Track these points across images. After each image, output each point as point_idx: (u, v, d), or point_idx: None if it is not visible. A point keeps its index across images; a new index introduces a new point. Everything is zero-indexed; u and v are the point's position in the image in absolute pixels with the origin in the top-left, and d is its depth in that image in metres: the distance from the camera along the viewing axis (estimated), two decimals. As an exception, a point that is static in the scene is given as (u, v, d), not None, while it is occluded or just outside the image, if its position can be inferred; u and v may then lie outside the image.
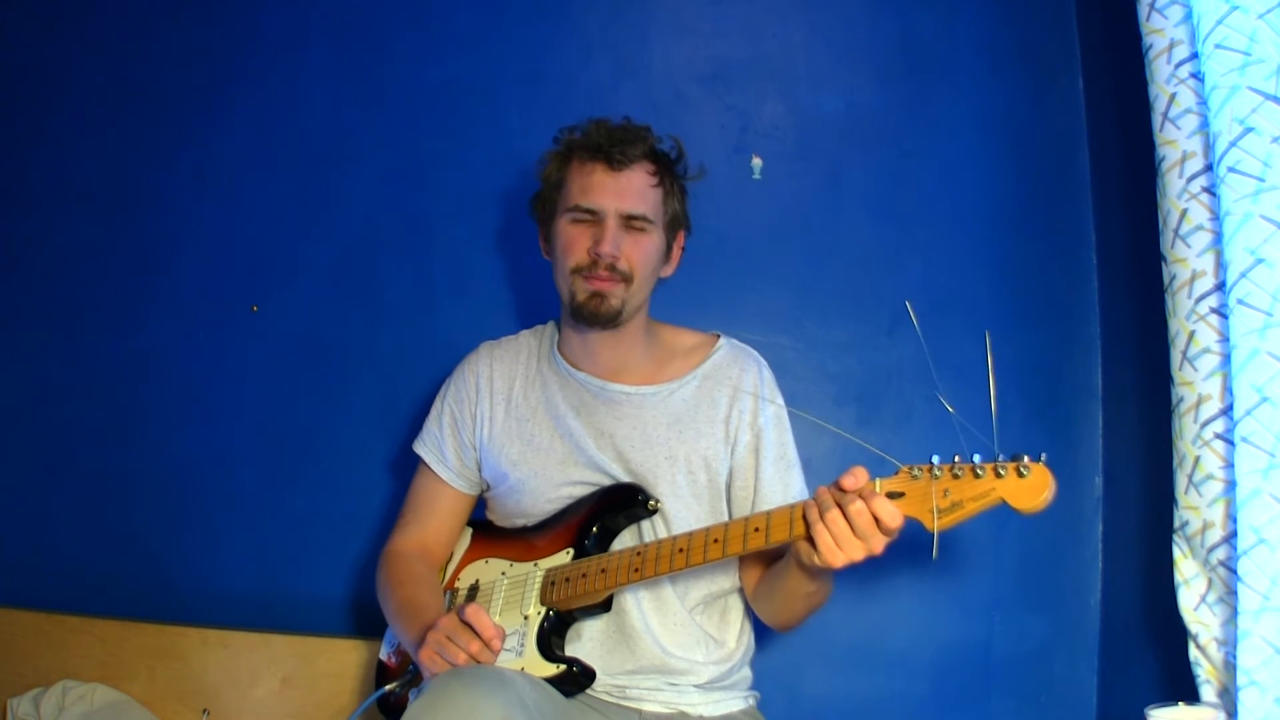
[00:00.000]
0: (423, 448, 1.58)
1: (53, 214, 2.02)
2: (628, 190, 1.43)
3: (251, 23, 2.00)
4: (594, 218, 1.43)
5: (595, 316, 1.43)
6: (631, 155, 1.43)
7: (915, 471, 1.17)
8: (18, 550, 1.96)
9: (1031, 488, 1.11)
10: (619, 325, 1.45)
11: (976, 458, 1.14)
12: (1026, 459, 1.12)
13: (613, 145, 1.43)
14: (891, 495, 1.18)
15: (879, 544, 1.18)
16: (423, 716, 1.15)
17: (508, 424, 1.52)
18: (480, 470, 1.56)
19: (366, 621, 1.80)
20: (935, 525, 1.13)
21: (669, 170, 1.49)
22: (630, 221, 1.43)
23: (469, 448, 1.55)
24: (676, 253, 1.53)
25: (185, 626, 1.80)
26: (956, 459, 1.15)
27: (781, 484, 1.45)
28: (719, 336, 1.54)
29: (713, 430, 1.46)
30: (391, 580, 1.49)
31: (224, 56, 2.00)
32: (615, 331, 1.47)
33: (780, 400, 1.51)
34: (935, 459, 1.16)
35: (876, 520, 1.16)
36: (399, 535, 1.57)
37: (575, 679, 1.36)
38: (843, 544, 1.17)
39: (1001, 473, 1.12)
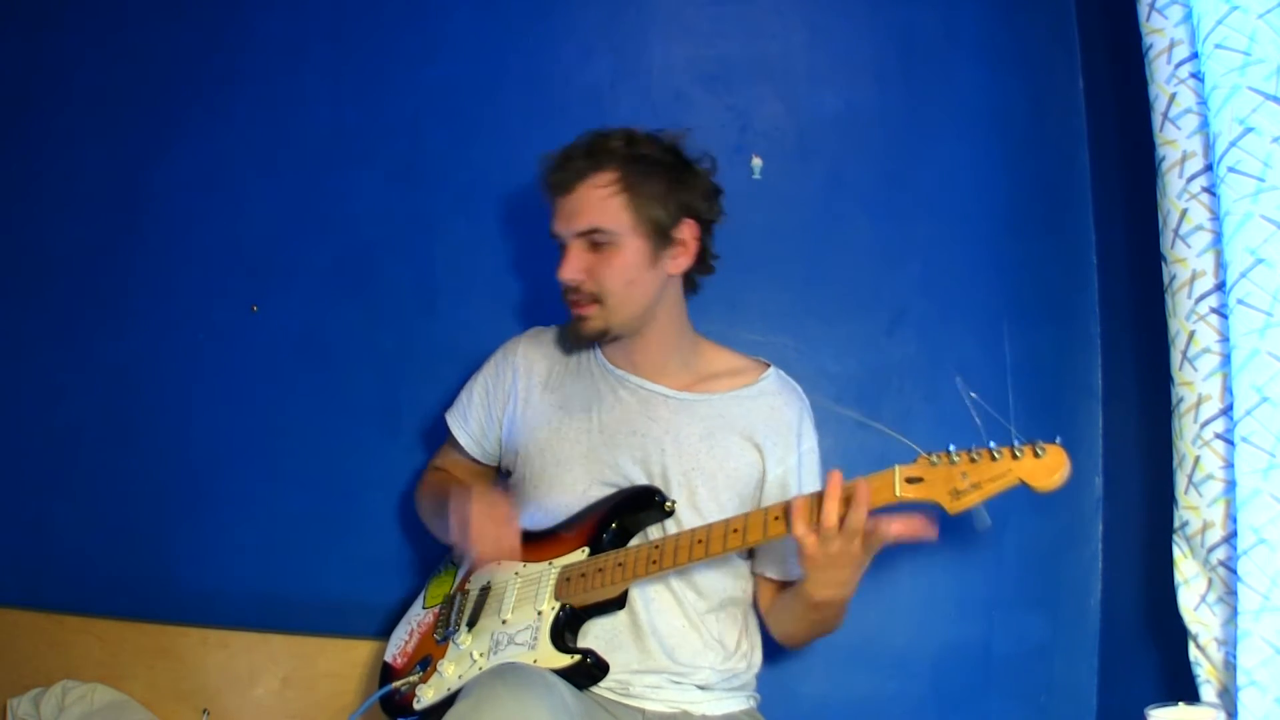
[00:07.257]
0: (450, 414, 1.63)
1: (53, 214, 2.02)
2: (575, 210, 1.43)
3: (252, 22, 1.99)
4: (562, 245, 1.45)
5: (581, 337, 1.48)
6: (573, 172, 1.42)
7: (934, 458, 1.20)
8: (18, 550, 1.96)
9: (1048, 467, 1.14)
10: (616, 339, 1.48)
11: (992, 444, 1.17)
12: (1041, 442, 1.15)
13: (552, 172, 1.44)
14: (911, 480, 1.20)
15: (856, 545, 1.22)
16: (468, 718, 1.15)
17: (541, 408, 1.52)
18: (501, 447, 1.58)
19: (366, 621, 1.80)
20: (969, 502, 1.16)
21: (636, 169, 1.41)
22: (590, 237, 1.42)
23: (495, 421, 1.57)
24: (687, 246, 1.46)
25: (185, 626, 1.79)
26: (973, 446, 1.18)
27: None
28: (768, 365, 1.55)
29: (745, 454, 1.46)
30: (429, 485, 1.64)
31: (224, 56, 1.99)
32: (638, 337, 1.48)
33: (815, 440, 1.52)
34: (952, 447, 1.19)
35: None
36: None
37: (588, 670, 1.35)
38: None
39: (1018, 454, 1.15)
